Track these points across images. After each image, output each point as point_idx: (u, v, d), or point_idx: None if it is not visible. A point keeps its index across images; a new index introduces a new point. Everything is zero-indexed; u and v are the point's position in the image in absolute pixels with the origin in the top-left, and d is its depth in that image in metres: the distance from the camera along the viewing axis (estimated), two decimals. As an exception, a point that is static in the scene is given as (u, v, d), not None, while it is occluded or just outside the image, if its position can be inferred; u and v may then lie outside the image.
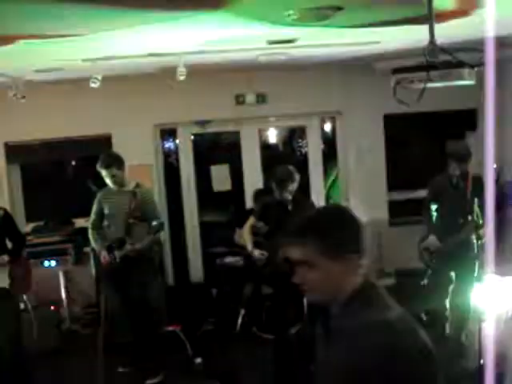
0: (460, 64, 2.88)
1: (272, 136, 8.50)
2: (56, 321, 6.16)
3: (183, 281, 7.47)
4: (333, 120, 7.90)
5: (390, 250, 7.48)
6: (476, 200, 4.72)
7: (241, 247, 5.81)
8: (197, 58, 5.48)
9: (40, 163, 7.72)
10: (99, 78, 5.24)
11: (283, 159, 8.44)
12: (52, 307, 6.11)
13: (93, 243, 5.40)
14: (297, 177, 5.19)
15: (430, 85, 2.86)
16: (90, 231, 5.38)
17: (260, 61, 5.85)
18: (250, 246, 5.26)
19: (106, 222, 5.32)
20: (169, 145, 8.29)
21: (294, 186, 5.13)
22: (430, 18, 2.99)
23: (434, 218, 5.53)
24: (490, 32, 1.77)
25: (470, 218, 4.82)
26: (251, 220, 5.39)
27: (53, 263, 6.51)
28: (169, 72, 5.75)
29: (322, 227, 1.83)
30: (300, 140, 8.69)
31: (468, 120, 7.48)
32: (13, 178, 7.27)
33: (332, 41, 5.08)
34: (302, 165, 7.74)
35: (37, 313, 5.83)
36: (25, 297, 5.70)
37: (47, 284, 6.19)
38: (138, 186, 5.32)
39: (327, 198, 7.98)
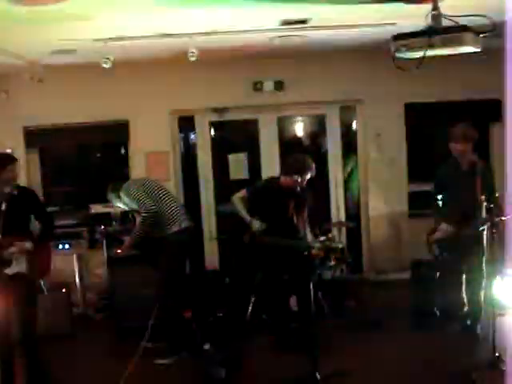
0: (464, 29, 2.75)
1: (299, 129, 8.34)
2: (68, 304, 6.14)
3: (198, 268, 7.41)
4: (353, 109, 7.73)
5: (409, 241, 7.32)
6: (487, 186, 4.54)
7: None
8: (209, 39, 5.42)
9: (58, 148, 7.75)
10: (111, 58, 5.22)
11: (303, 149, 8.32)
12: (64, 290, 6.08)
13: None
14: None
15: (430, 52, 2.74)
16: None
17: (275, 43, 5.77)
18: (246, 215, 5.38)
19: None
20: (193, 136, 8.20)
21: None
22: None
23: (440, 208, 5.35)
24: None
25: (482, 206, 4.61)
26: (244, 193, 5.48)
27: (66, 246, 6.53)
28: (182, 56, 5.71)
29: None
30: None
31: (493, 110, 7.25)
32: (31, 162, 7.31)
33: (344, 22, 4.98)
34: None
35: (48, 295, 5.77)
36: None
37: (60, 267, 6.15)
38: None
39: (345, 189, 7.82)
